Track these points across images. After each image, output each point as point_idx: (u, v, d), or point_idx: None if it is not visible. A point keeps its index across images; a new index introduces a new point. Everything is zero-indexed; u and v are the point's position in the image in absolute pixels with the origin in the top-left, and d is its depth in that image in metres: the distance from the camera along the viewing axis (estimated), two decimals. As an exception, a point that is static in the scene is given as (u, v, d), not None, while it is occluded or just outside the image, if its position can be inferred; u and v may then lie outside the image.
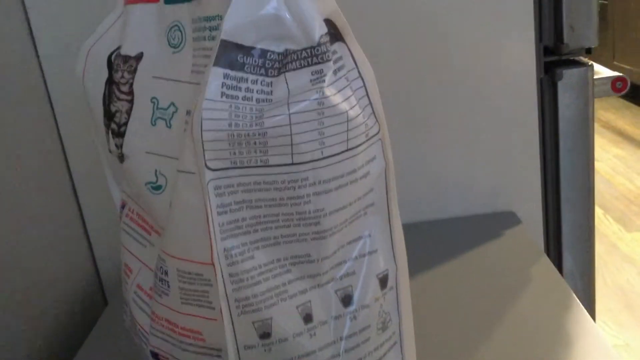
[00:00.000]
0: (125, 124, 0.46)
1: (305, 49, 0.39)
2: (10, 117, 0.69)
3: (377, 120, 0.42)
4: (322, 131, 0.39)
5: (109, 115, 0.47)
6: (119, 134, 0.46)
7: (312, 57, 0.39)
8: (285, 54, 0.39)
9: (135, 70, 0.46)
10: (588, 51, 0.85)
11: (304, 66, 0.39)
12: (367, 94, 0.42)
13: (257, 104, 0.39)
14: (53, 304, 0.72)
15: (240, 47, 0.38)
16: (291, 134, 0.39)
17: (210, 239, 0.39)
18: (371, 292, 0.43)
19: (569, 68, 0.83)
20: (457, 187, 0.84)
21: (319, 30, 0.39)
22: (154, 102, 0.45)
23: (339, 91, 0.39)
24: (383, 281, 0.44)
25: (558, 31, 0.81)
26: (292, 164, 0.39)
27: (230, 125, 0.38)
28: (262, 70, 0.39)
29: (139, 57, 0.46)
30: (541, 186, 0.85)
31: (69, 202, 0.80)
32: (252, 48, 0.38)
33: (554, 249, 0.89)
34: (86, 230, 0.83)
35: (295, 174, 0.39)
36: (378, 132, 0.42)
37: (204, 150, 0.38)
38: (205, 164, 0.39)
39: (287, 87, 0.39)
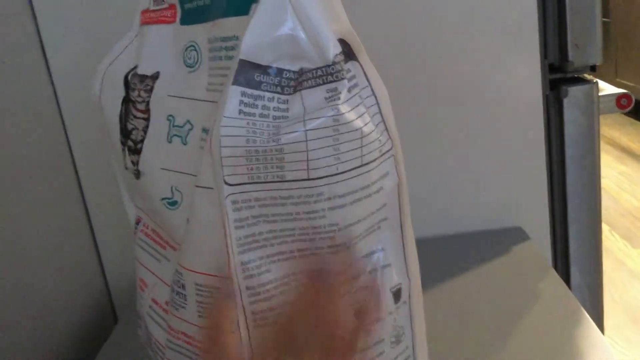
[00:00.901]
0: (142, 141, 0.47)
1: (320, 68, 0.40)
2: (21, 134, 0.70)
3: (390, 137, 0.43)
4: (337, 147, 0.40)
5: (125, 133, 0.48)
6: (135, 151, 0.47)
7: (326, 75, 0.40)
8: (301, 72, 0.40)
9: (151, 89, 0.47)
10: (592, 68, 0.86)
11: (319, 84, 0.40)
12: (380, 111, 0.43)
13: (274, 120, 0.40)
14: (63, 321, 0.73)
15: (257, 67, 0.39)
16: (307, 150, 0.39)
17: (228, 252, 0.40)
18: (386, 305, 0.44)
19: (574, 85, 0.84)
20: (464, 203, 0.84)
21: (334, 49, 0.40)
22: (170, 120, 0.46)
23: (353, 108, 0.40)
24: (396, 295, 0.44)
25: (563, 49, 0.82)
26: (308, 179, 0.40)
27: (247, 141, 0.39)
28: (279, 89, 0.40)
29: (155, 77, 0.47)
30: (548, 202, 0.86)
31: (79, 219, 0.81)
32: (269, 67, 0.40)
33: (561, 264, 0.90)
34: (97, 247, 0.84)
35: (310, 189, 0.40)
36: (391, 149, 0.43)
37: (222, 167, 0.39)
38: (224, 180, 0.39)
39: (303, 104, 0.40)
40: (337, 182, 0.40)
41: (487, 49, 0.79)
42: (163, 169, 0.46)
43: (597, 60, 0.84)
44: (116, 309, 0.86)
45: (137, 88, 0.47)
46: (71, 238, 0.78)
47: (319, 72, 0.40)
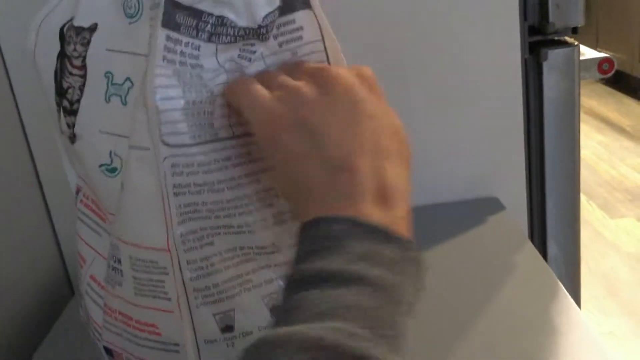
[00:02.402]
0: (78, 101, 0.42)
1: (243, 28, 0.36)
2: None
3: None
4: None
5: (60, 92, 0.44)
6: (71, 112, 0.43)
7: (248, 35, 0.37)
8: (221, 21, 0.36)
9: (88, 43, 0.42)
10: (574, 31, 0.82)
11: (237, 41, 0.37)
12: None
13: (193, 69, 0.36)
14: (17, 293, 0.68)
15: (179, 7, 0.36)
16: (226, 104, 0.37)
17: (166, 222, 0.36)
18: None
19: (555, 48, 0.80)
20: (439, 172, 0.81)
21: (265, 7, 0.36)
22: (108, 77, 0.41)
23: (271, 65, 0.37)
24: None
25: (543, 9, 0.78)
26: (233, 136, 0.37)
27: (184, 92, 0.36)
28: (194, 32, 0.36)
29: (92, 29, 0.42)
30: (525, 171, 0.82)
31: (33, 191, 0.77)
32: (189, 8, 0.36)
33: (538, 235, 0.87)
34: (51, 219, 0.79)
35: (239, 148, 0.37)
36: None
37: (160, 123, 0.35)
38: (161, 139, 0.36)
39: (217, 58, 0.37)
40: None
41: (463, 9, 0.75)
42: (101, 131, 0.41)
43: (579, 21, 0.80)
44: (72, 282, 0.81)
45: (72, 41, 0.42)
46: (24, 209, 0.74)
47: (241, 32, 0.37)
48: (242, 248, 0.38)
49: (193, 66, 0.36)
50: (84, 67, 0.42)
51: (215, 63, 0.37)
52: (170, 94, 0.35)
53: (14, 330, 0.66)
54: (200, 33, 0.36)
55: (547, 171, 0.84)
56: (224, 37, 0.36)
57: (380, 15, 0.75)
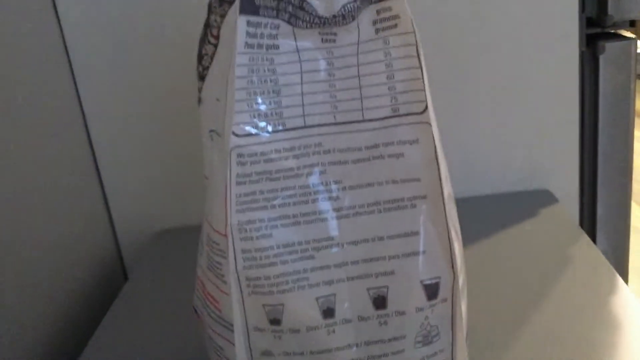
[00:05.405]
0: (208, 67, 0.41)
1: (320, 17, 0.34)
2: (30, 81, 0.63)
3: (425, 99, 0.35)
4: (333, 94, 0.35)
5: (199, 58, 0.42)
6: (202, 77, 0.42)
7: (323, 24, 0.34)
8: (302, 4, 0.34)
9: (225, 15, 0.41)
10: (632, 24, 0.78)
11: (312, 27, 0.34)
12: (421, 66, 0.35)
13: (267, 51, 0.34)
14: (72, 279, 0.67)
15: None
16: (302, 93, 0.34)
17: (226, 209, 0.35)
18: (413, 299, 0.36)
19: (612, 41, 0.75)
20: (492, 164, 0.77)
21: None
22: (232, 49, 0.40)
23: (362, 53, 0.35)
24: (431, 290, 0.37)
25: (602, 2, 0.74)
26: (304, 126, 0.35)
27: (252, 82, 0.34)
28: (274, 13, 0.34)
29: (231, 2, 0.41)
30: (579, 165, 0.78)
31: (89, 175, 0.75)
32: None
33: (588, 229, 0.83)
34: (107, 204, 0.78)
35: (307, 139, 0.35)
36: (423, 112, 0.35)
37: (234, 113, 0.34)
38: (232, 130, 0.34)
39: (296, 41, 0.34)
40: (335, 133, 0.35)
41: (521, 0, 0.71)
42: (217, 99, 0.40)
43: (638, 14, 0.75)
44: (126, 267, 0.80)
45: (215, 12, 0.41)
46: (80, 194, 0.72)
47: (316, 20, 0.34)
48: (300, 243, 0.35)
49: (268, 47, 0.34)
50: (218, 37, 0.41)
51: (292, 46, 0.35)
52: (244, 84, 0.34)
53: (67, 317, 0.65)
54: (280, 13, 0.34)
55: (599, 165, 0.80)
56: (300, 22, 0.34)
57: (436, 10, 0.71)
